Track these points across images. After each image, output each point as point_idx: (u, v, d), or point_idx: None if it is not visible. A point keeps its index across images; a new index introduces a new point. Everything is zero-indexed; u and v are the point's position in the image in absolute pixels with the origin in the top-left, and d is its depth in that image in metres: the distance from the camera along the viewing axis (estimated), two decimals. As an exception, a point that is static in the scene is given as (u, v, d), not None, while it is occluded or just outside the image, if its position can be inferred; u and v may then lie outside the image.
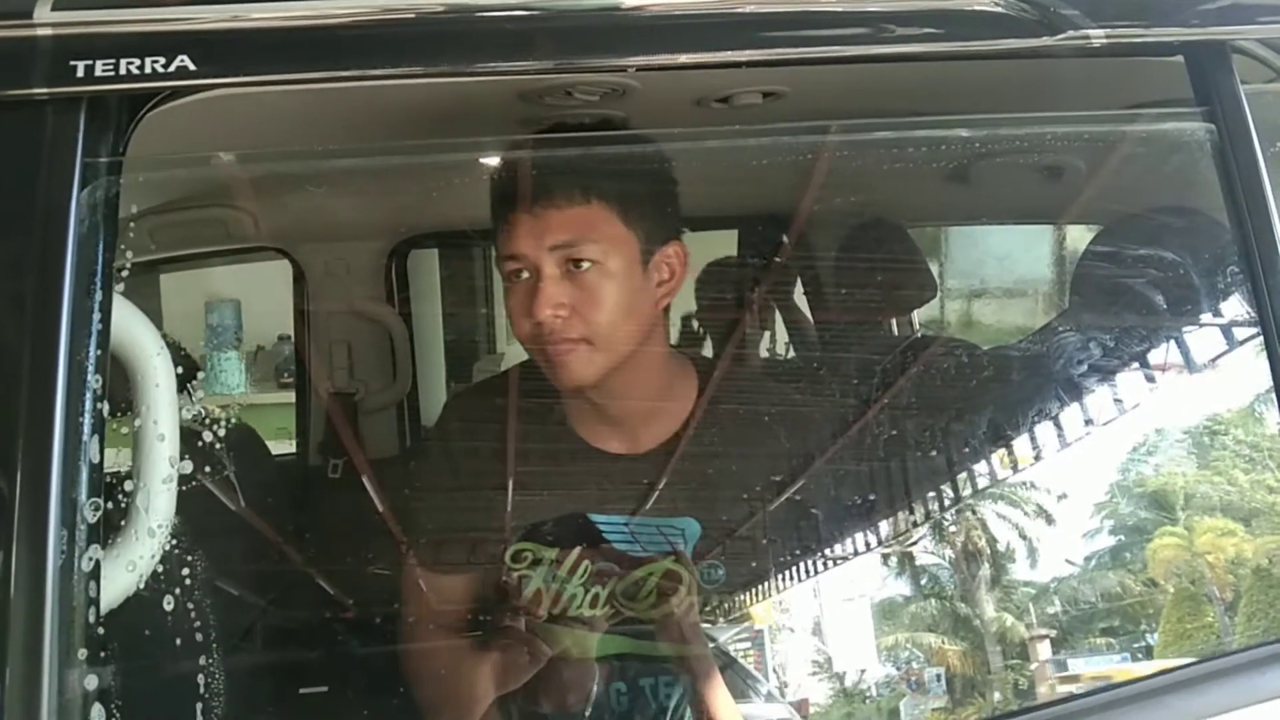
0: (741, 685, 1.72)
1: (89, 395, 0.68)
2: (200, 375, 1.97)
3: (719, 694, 1.31)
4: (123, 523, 0.76)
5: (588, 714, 1.31)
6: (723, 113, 1.36)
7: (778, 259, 1.85)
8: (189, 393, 1.93)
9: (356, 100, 1.09)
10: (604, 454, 1.33)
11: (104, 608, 0.70)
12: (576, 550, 1.27)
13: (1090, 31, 0.83)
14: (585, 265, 1.21)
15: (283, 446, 2.26)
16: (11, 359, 0.68)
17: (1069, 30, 0.83)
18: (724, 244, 2.02)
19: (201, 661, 1.52)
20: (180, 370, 1.84)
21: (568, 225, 1.21)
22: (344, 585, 1.62)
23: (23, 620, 0.63)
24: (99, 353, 0.70)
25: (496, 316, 2.64)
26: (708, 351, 1.67)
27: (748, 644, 1.85)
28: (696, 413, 1.34)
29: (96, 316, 0.70)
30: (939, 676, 2.27)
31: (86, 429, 0.68)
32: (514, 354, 2.82)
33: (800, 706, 1.91)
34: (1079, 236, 1.64)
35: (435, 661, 1.37)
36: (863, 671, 2.06)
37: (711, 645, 1.49)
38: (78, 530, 0.66)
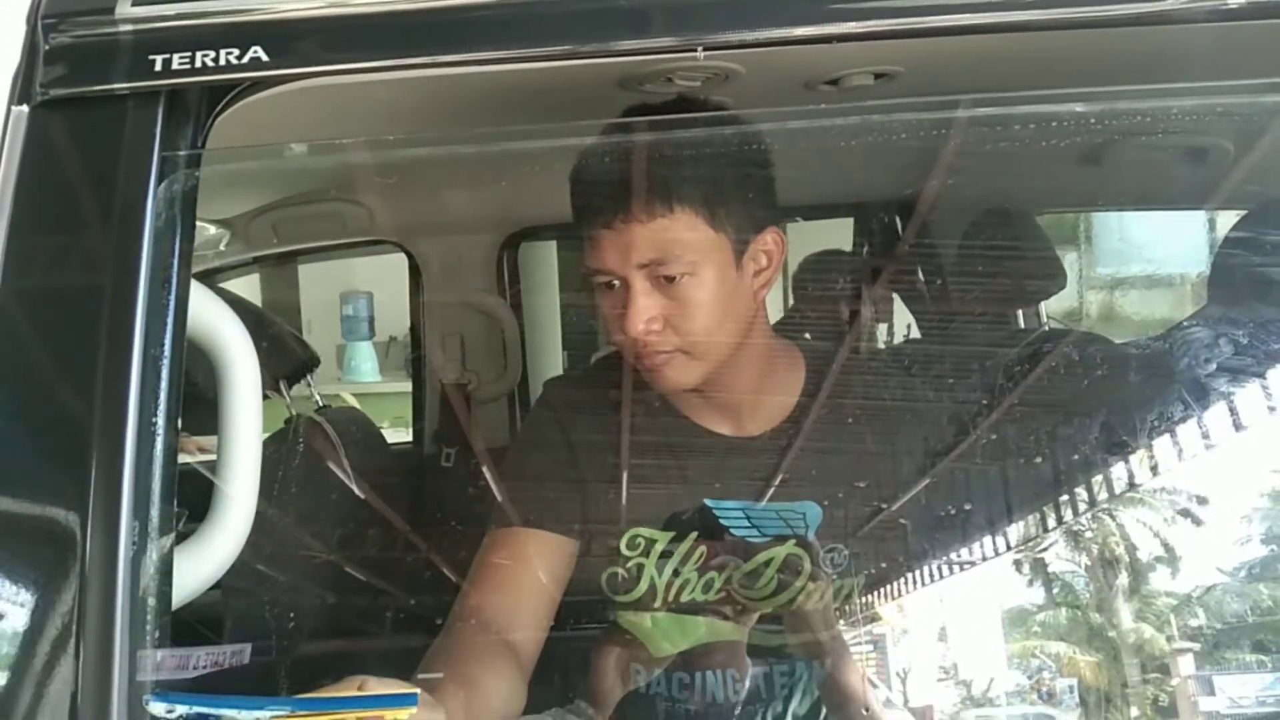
0: (864, 687, 1.68)
1: (164, 387, 0.69)
2: (319, 366, 2.03)
3: (857, 679, 1.28)
4: (206, 515, 0.76)
5: (741, 699, 1.28)
6: (832, 95, 1.30)
7: (896, 247, 1.78)
8: (309, 382, 1.99)
9: (441, 90, 1.08)
10: (716, 436, 1.29)
11: (181, 599, 0.71)
12: (692, 536, 1.24)
13: (1227, -9, 0.74)
14: (678, 279, 1.17)
15: (401, 434, 2.32)
16: (89, 350, 0.69)
17: (1202, -10, 0.75)
18: (838, 232, 1.97)
19: (308, 645, 1.57)
20: (306, 358, 1.90)
21: (653, 241, 1.16)
22: (457, 571, 1.63)
23: (96, 612, 0.64)
24: (175, 345, 0.70)
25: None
26: (821, 339, 1.61)
27: (869, 647, 1.79)
28: (807, 398, 1.29)
29: (172, 309, 0.71)
30: (1071, 688, 2.16)
31: (161, 421, 0.68)
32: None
33: (924, 713, 1.85)
34: (1225, 222, 1.52)
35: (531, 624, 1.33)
36: (991, 680, 1.98)
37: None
38: (151, 520, 0.66)
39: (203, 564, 0.72)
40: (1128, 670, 2.18)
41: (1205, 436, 1.51)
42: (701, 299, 1.18)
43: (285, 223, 1.90)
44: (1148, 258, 1.81)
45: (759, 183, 1.23)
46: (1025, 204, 1.63)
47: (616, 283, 1.19)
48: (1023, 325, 1.76)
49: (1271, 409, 1.45)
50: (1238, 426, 1.48)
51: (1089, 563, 2.09)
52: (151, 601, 0.66)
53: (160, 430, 0.68)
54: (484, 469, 1.82)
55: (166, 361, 0.69)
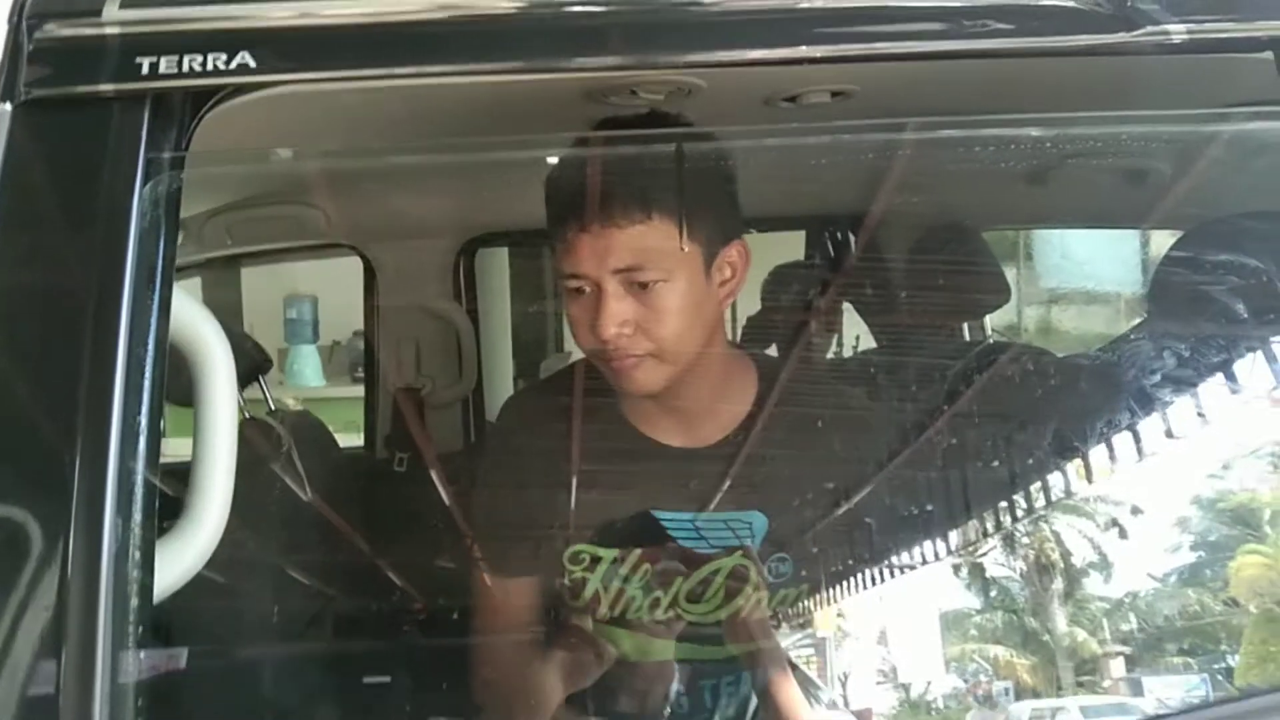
0: (804, 692, 1.70)
1: (148, 385, 0.70)
2: (271, 368, 2.02)
3: (792, 689, 1.29)
4: (181, 511, 0.77)
5: (667, 714, 1.30)
6: (790, 112, 1.34)
7: (846, 261, 1.83)
8: (263, 385, 1.98)
9: (417, 99, 1.09)
10: (666, 448, 1.31)
11: (162, 592, 0.71)
12: (637, 551, 1.26)
13: (1170, 27, 0.79)
14: (650, 285, 1.20)
15: (351, 440, 2.30)
16: (73, 350, 0.69)
17: (1147, 25, 0.79)
18: (790, 245, 2.01)
19: (257, 648, 1.56)
20: (259, 360, 1.89)
21: (630, 246, 1.19)
22: (407, 577, 1.64)
23: (79, 603, 0.65)
24: (158, 344, 0.71)
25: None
26: (773, 351, 1.65)
27: (810, 650, 1.83)
28: (758, 408, 1.32)
29: (156, 309, 0.71)
30: (1007, 690, 2.22)
31: (145, 419, 0.69)
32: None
33: (863, 717, 1.88)
34: (1161, 242, 1.58)
35: (502, 660, 1.37)
36: (929, 683, 2.02)
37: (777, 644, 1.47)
38: (133, 517, 0.67)
39: (182, 558, 0.73)
40: (1062, 672, 2.25)
41: (1139, 447, 1.57)
42: (672, 306, 1.20)
43: (240, 225, 1.89)
44: (1084, 275, 1.88)
45: (727, 196, 1.27)
46: (972, 221, 1.69)
47: (589, 288, 1.21)
48: (968, 338, 1.81)
49: (1202, 421, 1.51)
50: (1170, 437, 1.54)
51: (1025, 569, 2.15)
52: (134, 596, 0.66)
53: (144, 429, 0.69)
54: (435, 475, 1.83)
55: (150, 360, 0.70)
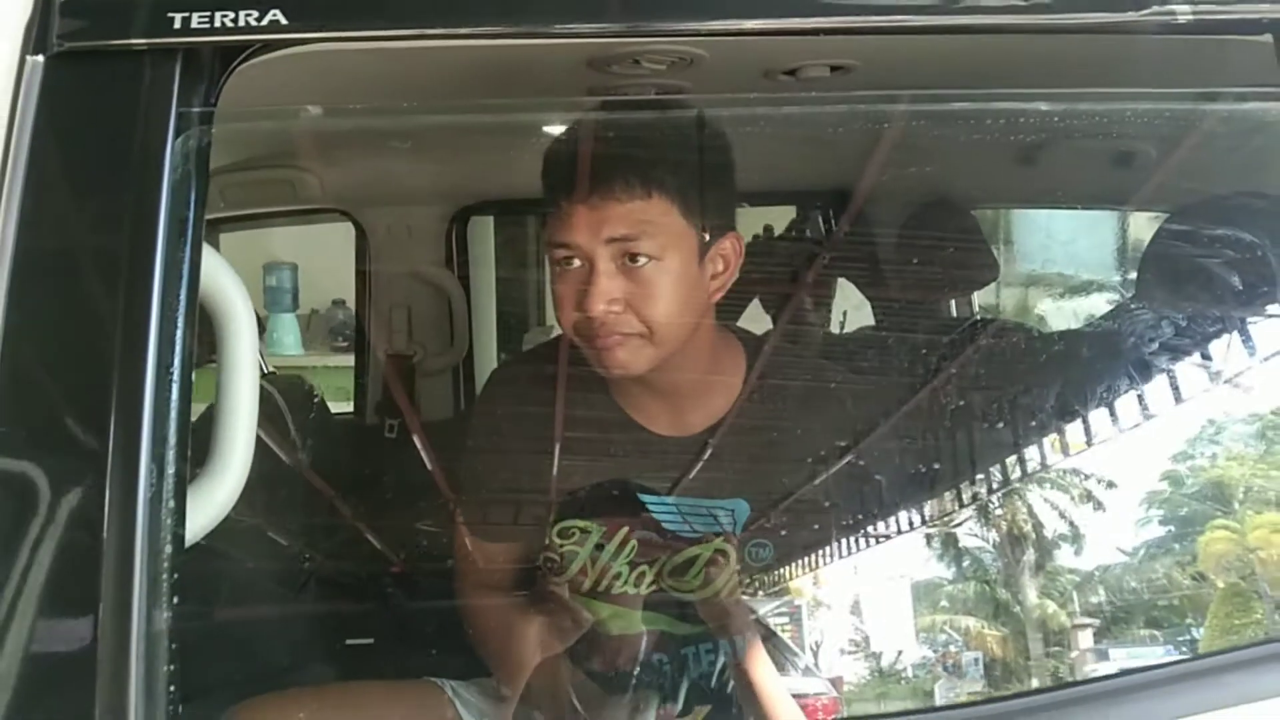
0: (781, 658, 1.74)
1: (180, 335, 0.71)
2: (264, 333, 2.02)
3: (763, 663, 1.32)
4: (206, 462, 0.79)
5: (636, 673, 1.33)
6: (789, 85, 1.35)
7: (835, 236, 1.85)
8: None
9: (430, 61, 1.10)
10: (653, 435, 1.33)
11: (193, 536, 0.73)
12: (624, 528, 1.28)
13: (1176, 7, 0.82)
14: (642, 260, 1.20)
15: (338, 407, 2.31)
16: (108, 301, 0.70)
17: (1154, 5, 0.82)
18: (780, 220, 2.02)
19: (254, 607, 1.58)
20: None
21: (627, 219, 1.19)
22: (403, 540, 1.66)
23: (115, 549, 0.66)
24: (189, 295, 0.72)
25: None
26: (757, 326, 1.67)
27: (785, 619, 1.86)
28: (744, 395, 1.34)
29: (188, 263, 0.73)
30: (976, 661, 2.27)
31: (177, 370, 0.71)
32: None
33: (835, 684, 1.92)
34: (1146, 223, 1.62)
35: (485, 621, 1.39)
36: (899, 652, 2.06)
37: (752, 617, 1.50)
38: (167, 466, 0.69)
39: (211, 502, 0.74)
40: (1031, 643, 2.30)
41: (1115, 422, 1.61)
42: (663, 286, 1.21)
43: (234, 188, 1.88)
44: (1066, 256, 1.91)
45: (726, 185, 1.28)
46: (963, 199, 1.71)
47: (579, 261, 1.21)
48: (955, 314, 1.84)
49: (1181, 396, 1.55)
50: (1147, 412, 1.58)
51: (999, 540, 2.20)
52: (168, 544, 0.68)
53: (176, 377, 0.70)
54: (428, 441, 1.85)
55: (182, 311, 0.71)
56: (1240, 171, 1.22)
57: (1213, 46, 0.95)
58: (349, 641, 1.67)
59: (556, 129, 1.32)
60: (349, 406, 2.25)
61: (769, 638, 1.64)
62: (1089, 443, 1.64)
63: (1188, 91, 1.02)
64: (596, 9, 0.93)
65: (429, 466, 1.77)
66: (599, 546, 1.27)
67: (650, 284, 1.20)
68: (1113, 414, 1.58)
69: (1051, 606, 2.25)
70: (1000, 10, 0.89)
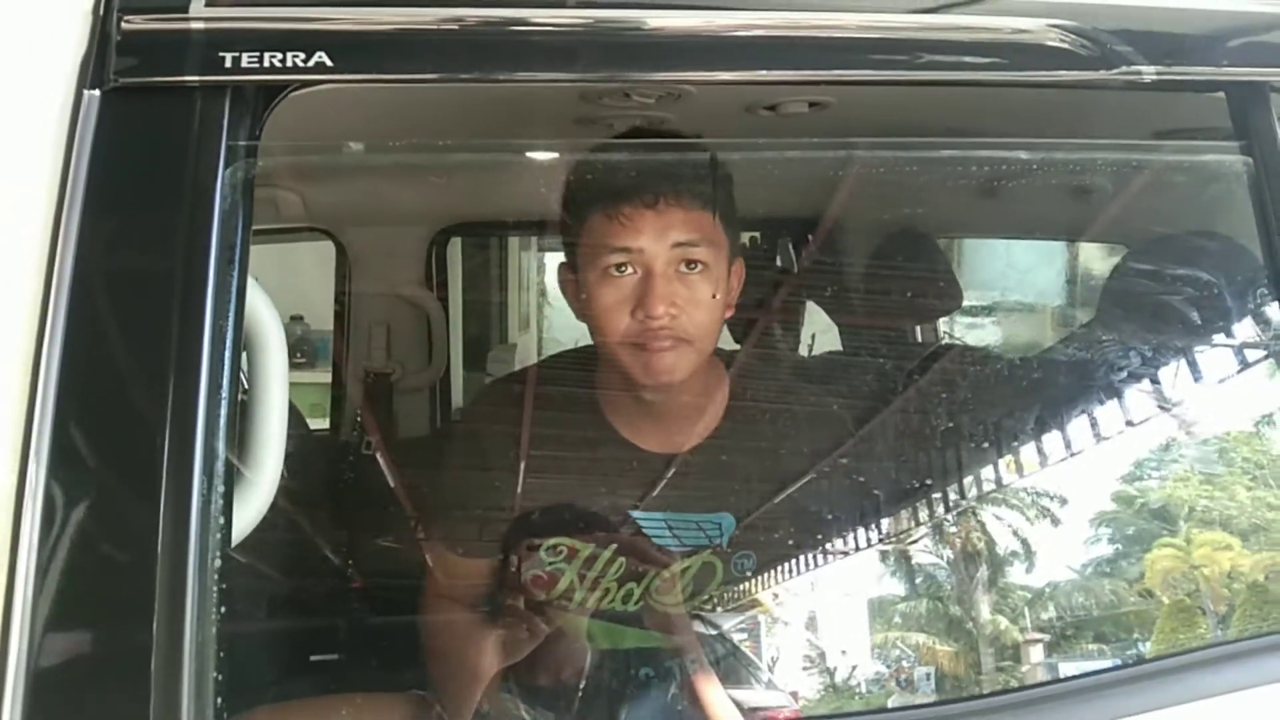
0: (743, 673, 1.79)
1: (228, 354, 0.75)
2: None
3: (714, 686, 1.35)
4: (243, 469, 0.83)
5: (582, 686, 1.35)
6: (770, 120, 1.43)
7: (803, 262, 1.91)
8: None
9: (438, 92, 1.15)
10: (643, 452, 1.36)
11: (236, 536, 0.77)
12: (613, 545, 1.30)
13: (1142, 68, 0.90)
14: (697, 267, 1.25)
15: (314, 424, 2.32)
16: (162, 322, 0.74)
17: (1123, 66, 0.90)
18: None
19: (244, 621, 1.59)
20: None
21: (691, 224, 1.24)
22: (368, 558, 1.68)
23: (169, 554, 0.70)
24: (237, 319, 0.77)
25: (510, 307, 2.71)
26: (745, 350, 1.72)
27: (744, 635, 1.91)
28: (728, 415, 1.38)
29: (235, 286, 0.77)
30: (929, 676, 2.32)
31: (225, 389, 0.75)
32: (525, 344, 2.89)
33: (795, 696, 1.97)
34: (1101, 254, 1.71)
35: (450, 636, 1.40)
36: (854, 668, 2.12)
37: (714, 633, 1.55)
38: (216, 476, 0.73)
39: (247, 511, 0.79)
40: (983, 658, 2.36)
41: (1067, 444, 1.69)
42: (707, 295, 1.26)
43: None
44: (1029, 283, 1.99)
45: (738, 218, 1.35)
46: (928, 229, 1.79)
47: (633, 268, 1.24)
48: (920, 340, 1.91)
49: (1130, 421, 1.63)
50: (1098, 435, 1.66)
51: (953, 557, 2.26)
52: (217, 549, 0.72)
53: (225, 394, 0.75)
54: (404, 459, 1.87)
55: (230, 331, 0.76)
56: (1197, 214, 1.31)
57: (1172, 97, 1.04)
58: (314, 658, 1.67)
59: (544, 156, 1.37)
60: (318, 423, 2.26)
61: (732, 653, 1.69)
62: (1042, 464, 1.72)
63: (1150, 144, 1.10)
64: (592, 58, 0.99)
65: (405, 483, 1.80)
66: (588, 563, 1.29)
67: (699, 291, 1.26)
68: (1065, 437, 1.66)
69: (1004, 622, 2.30)
70: (981, 67, 0.97)
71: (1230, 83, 0.95)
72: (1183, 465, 1.91)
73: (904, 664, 2.28)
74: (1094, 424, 1.66)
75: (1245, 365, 1.41)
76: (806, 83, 1.17)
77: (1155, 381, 1.56)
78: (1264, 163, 0.93)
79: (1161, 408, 1.56)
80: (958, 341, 1.91)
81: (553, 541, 1.30)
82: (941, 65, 1.00)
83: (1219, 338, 1.39)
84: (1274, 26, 0.98)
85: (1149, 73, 0.90)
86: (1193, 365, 1.50)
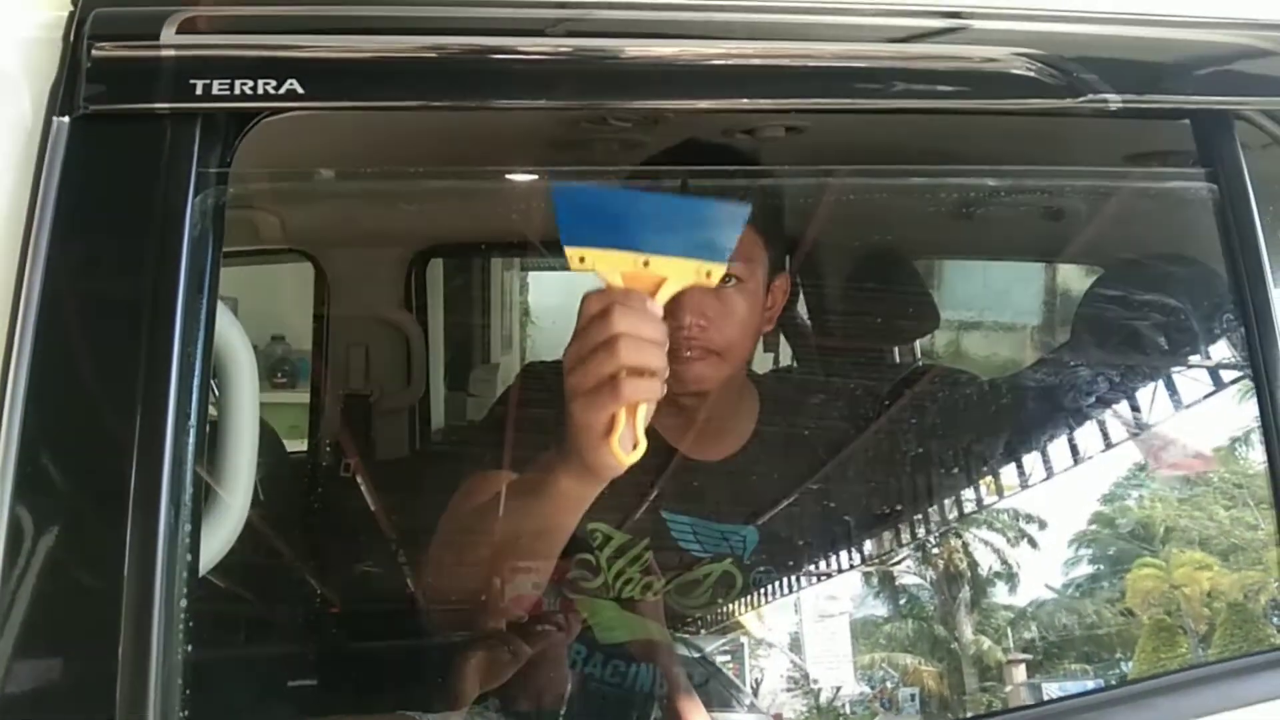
0: (726, 695, 1.78)
1: (196, 382, 0.75)
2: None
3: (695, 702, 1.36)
4: (210, 499, 0.82)
5: (563, 713, 1.34)
6: (747, 144, 1.44)
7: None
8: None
9: (420, 120, 1.16)
10: (681, 457, 1.36)
11: (205, 564, 0.77)
12: (644, 541, 1.31)
13: (1109, 96, 0.91)
14: (731, 281, 1.25)
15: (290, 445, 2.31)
16: (131, 349, 0.74)
17: (1089, 94, 0.91)
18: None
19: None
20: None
21: None
22: (339, 583, 1.67)
23: (135, 581, 0.70)
24: (206, 345, 0.76)
25: (492, 327, 2.71)
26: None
27: (728, 656, 1.90)
28: (759, 430, 1.39)
29: (204, 312, 0.77)
30: (913, 696, 2.32)
31: (193, 416, 0.75)
32: (509, 364, 2.88)
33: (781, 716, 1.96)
34: (1075, 276, 1.72)
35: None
36: (837, 689, 2.11)
37: (697, 655, 1.55)
38: (183, 504, 0.73)
39: (217, 538, 0.78)
40: (966, 679, 2.36)
41: (1047, 465, 1.70)
42: (741, 309, 1.27)
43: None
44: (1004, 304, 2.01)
45: (783, 224, 1.35)
46: (905, 251, 1.80)
47: None
48: (898, 360, 1.93)
49: (1109, 442, 1.64)
50: (1078, 456, 1.67)
51: (936, 578, 2.26)
52: (184, 576, 0.72)
53: (193, 420, 0.74)
54: (383, 479, 1.87)
55: (199, 357, 0.76)
56: (1167, 238, 1.33)
57: (1140, 122, 1.06)
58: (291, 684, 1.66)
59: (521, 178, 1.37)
60: (296, 444, 2.26)
61: (715, 675, 1.68)
62: (1024, 485, 1.73)
63: (1118, 170, 1.12)
64: (570, 87, 1.00)
65: (393, 505, 1.79)
66: (618, 552, 1.30)
67: (733, 304, 1.26)
68: (1046, 458, 1.66)
69: (987, 643, 2.30)
70: (951, 95, 0.98)
71: (1195, 111, 0.97)
72: (1161, 486, 1.92)
73: (887, 685, 2.28)
74: (1074, 445, 1.67)
75: (1219, 386, 1.42)
76: (783, 111, 1.17)
77: (1134, 403, 1.57)
78: (1229, 189, 0.94)
79: (1136, 429, 1.57)
80: (934, 362, 1.92)
81: (589, 527, 1.30)
82: (914, 93, 1.01)
83: (1191, 359, 1.40)
84: (1238, 56, 0.99)
85: (1115, 100, 0.91)
86: (1170, 387, 1.51)
